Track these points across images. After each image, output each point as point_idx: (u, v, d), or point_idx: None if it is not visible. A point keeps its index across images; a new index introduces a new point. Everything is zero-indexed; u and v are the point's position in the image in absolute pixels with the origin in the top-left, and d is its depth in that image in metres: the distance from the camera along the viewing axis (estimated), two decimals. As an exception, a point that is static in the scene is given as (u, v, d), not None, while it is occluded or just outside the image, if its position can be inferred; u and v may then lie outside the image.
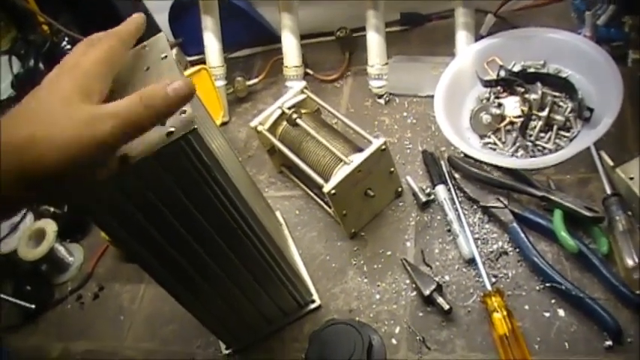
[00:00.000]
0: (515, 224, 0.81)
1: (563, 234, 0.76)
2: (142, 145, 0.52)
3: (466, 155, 0.89)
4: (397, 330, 0.80)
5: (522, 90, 0.91)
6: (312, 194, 0.97)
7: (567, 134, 0.87)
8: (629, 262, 0.71)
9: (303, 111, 0.94)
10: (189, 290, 0.72)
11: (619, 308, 0.71)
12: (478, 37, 1.01)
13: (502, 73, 0.94)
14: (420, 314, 0.80)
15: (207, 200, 0.62)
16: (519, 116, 0.90)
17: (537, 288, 0.77)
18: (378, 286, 0.84)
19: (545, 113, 0.88)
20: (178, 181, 0.58)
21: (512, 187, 0.84)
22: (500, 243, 0.82)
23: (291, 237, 0.94)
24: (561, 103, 0.89)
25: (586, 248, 0.76)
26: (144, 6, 1.24)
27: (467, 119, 0.95)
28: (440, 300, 0.78)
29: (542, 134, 0.89)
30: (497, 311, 0.73)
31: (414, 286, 0.82)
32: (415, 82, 1.05)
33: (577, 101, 0.87)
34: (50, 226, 1.03)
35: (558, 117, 0.87)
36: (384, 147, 0.84)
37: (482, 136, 0.93)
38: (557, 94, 0.90)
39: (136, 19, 0.60)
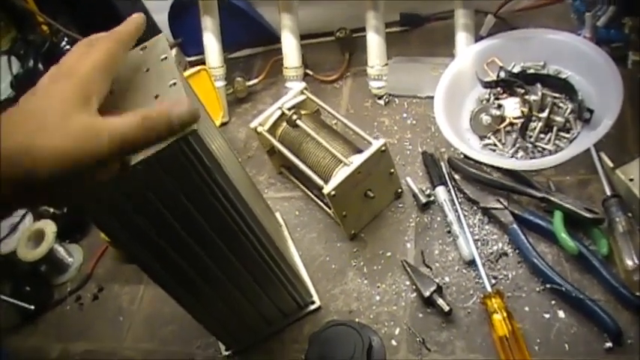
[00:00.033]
0: (515, 225, 0.81)
1: (563, 235, 0.76)
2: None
3: (466, 156, 0.89)
4: (397, 331, 0.80)
5: (522, 91, 0.91)
6: (311, 195, 0.97)
7: (567, 135, 0.87)
8: (629, 264, 0.71)
9: (302, 112, 0.94)
10: (188, 292, 0.72)
11: (619, 310, 0.71)
12: (478, 38, 1.01)
13: (502, 74, 0.94)
14: (420, 315, 0.80)
15: (207, 202, 0.61)
16: (519, 117, 0.90)
17: (537, 289, 0.77)
18: (378, 287, 0.84)
19: (545, 114, 0.88)
20: (179, 182, 0.58)
21: (512, 189, 0.84)
22: (500, 244, 0.82)
23: (290, 238, 0.94)
24: (561, 105, 0.89)
25: (586, 250, 0.76)
26: (143, 6, 1.24)
27: (467, 120, 0.95)
28: (440, 301, 0.78)
29: (542, 135, 0.89)
30: (498, 313, 0.73)
31: (414, 287, 0.82)
32: (415, 83, 1.05)
33: (577, 102, 0.87)
34: (49, 227, 1.03)
35: (558, 118, 0.87)
36: (383, 148, 0.83)
37: (482, 137, 0.93)
38: (557, 95, 0.90)
39: (136, 19, 0.58)
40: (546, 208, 0.82)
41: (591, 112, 0.85)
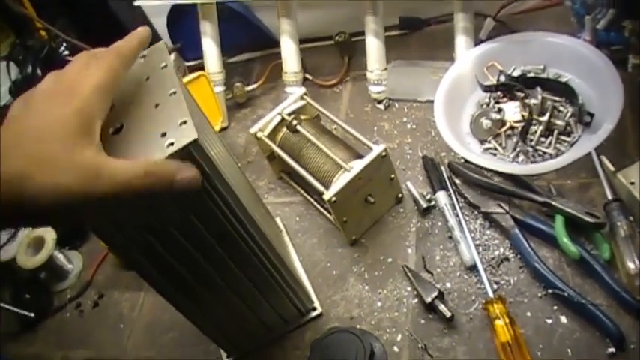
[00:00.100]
0: (516, 230, 0.81)
1: (565, 240, 0.76)
2: (142, 157, 0.51)
3: (466, 161, 0.88)
4: (399, 337, 0.79)
5: (522, 95, 0.91)
6: (312, 200, 0.96)
7: (568, 139, 0.87)
8: (631, 268, 0.71)
9: (302, 117, 0.94)
10: (188, 299, 0.72)
11: (621, 314, 0.71)
12: (477, 42, 1.01)
13: (502, 78, 0.94)
14: (422, 321, 0.80)
15: (207, 209, 0.61)
16: (520, 121, 0.90)
17: (539, 294, 0.76)
18: (380, 293, 0.84)
19: (545, 118, 0.87)
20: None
21: (513, 193, 0.83)
22: (501, 249, 0.82)
23: (291, 244, 0.94)
24: (561, 108, 0.89)
25: (588, 254, 0.75)
26: (142, 11, 1.24)
27: (467, 124, 0.95)
28: (442, 307, 0.77)
29: (542, 139, 0.88)
30: (500, 318, 0.73)
31: (415, 293, 0.81)
32: (415, 86, 1.05)
33: (577, 106, 0.87)
34: (49, 234, 1.03)
35: (559, 122, 0.87)
36: (384, 154, 0.83)
37: (482, 142, 0.93)
38: (557, 98, 0.90)
39: (140, 33, 0.58)
40: (547, 213, 0.81)
41: (592, 115, 0.85)
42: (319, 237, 0.94)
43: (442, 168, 0.91)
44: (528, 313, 0.75)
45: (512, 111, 0.91)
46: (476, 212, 0.86)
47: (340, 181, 0.82)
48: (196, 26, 1.15)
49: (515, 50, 0.96)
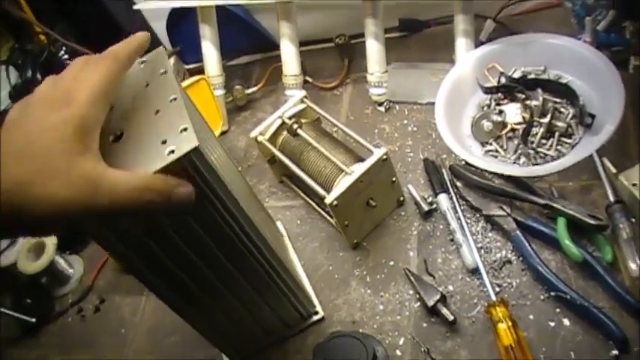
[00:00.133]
0: (518, 232, 0.81)
1: (567, 242, 0.76)
2: (142, 165, 0.51)
3: (467, 163, 0.88)
4: (401, 341, 0.79)
5: (523, 96, 0.91)
6: (313, 204, 0.96)
7: (569, 141, 0.87)
8: (634, 270, 0.70)
9: (303, 120, 0.94)
10: (189, 304, 0.71)
11: (624, 317, 0.71)
12: (478, 43, 1.01)
13: (502, 80, 0.94)
14: (425, 325, 0.79)
15: (207, 215, 0.61)
16: (521, 123, 0.90)
17: (542, 297, 0.76)
18: (382, 296, 0.84)
19: (546, 120, 0.87)
20: None
21: (514, 195, 0.83)
22: (503, 252, 0.82)
23: (292, 247, 0.94)
24: (562, 110, 0.89)
25: (590, 256, 0.75)
26: (141, 14, 1.24)
27: (468, 126, 0.94)
28: (444, 311, 0.77)
29: (543, 141, 0.88)
30: (502, 322, 0.73)
31: (417, 296, 0.81)
32: (415, 88, 1.05)
33: (578, 107, 0.86)
34: (50, 239, 1.02)
35: (560, 123, 0.87)
36: (385, 157, 0.83)
37: (483, 144, 0.92)
38: (558, 100, 0.89)
39: (139, 37, 0.57)
40: (549, 215, 0.81)
41: (593, 117, 0.85)
42: (321, 241, 0.94)
43: (443, 170, 0.91)
44: (531, 316, 0.75)
45: (513, 113, 0.91)
46: (477, 215, 0.86)
47: (341, 185, 0.82)
48: (196, 29, 1.15)
49: (515, 52, 0.96)
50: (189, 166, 0.52)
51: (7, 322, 1.01)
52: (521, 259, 0.80)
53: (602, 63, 0.86)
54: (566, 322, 0.73)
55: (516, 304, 0.77)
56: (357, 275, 0.87)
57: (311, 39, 1.20)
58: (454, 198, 0.88)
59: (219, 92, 1.14)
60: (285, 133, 0.94)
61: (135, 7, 1.16)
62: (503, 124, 0.91)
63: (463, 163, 0.89)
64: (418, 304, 0.81)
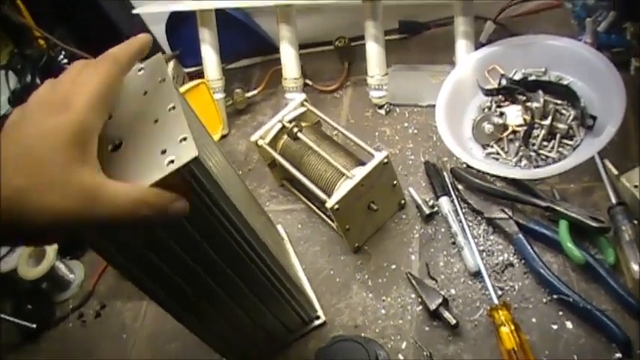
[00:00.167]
0: (520, 235, 0.80)
1: (569, 245, 0.75)
2: (141, 175, 0.50)
3: (469, 166, 0.88)
4: (404, 345, 0.79)
5: (524, 98, 0.91)
6: (314, 208, 0.96)
7: (570, 142, 0.87)
8: (637, 272, 0.70)
9: (303, 124, 0.93)
10: (189, 311, 0.71)
11: (627, 319, 0.71)
12: (478, 45, 1.01)
13: (503, 82, 0.93)
14: (427, 329, 0.79)
15: (207, 224, 0.60)
16: (522, 125, 0.90)
17: (544, 300, 0.76)
18: (384, 300, 0.84)
19: (547, 122, 0.87)
20: None
21: (516, 198, 0.83)
22: (505, 255, 0.81)
23: (293, 252, 0.93)
24: (563, 111, 0.88)
25: (592, 259, 0.75)
26: (140, 18, 1.24)
27: (469, 129, 0.94)
28: (446, 314, 0.77)
29: (545, 143, 0.88)
30: (505, 325, 0.73)
31: (419, 300, 0.81)
32: (415, 91, 1.04)
33: (579, 109, 0.86)
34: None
35: (561, 125, 0.87)
36: (386, 160, 0.83)
37: (484, 146, 0.92)
38: (559, 102, 0.89)
39: (140, 40, 0.56)
40: (551, 217, 0.81)
41: (594, 118, 0.85)
42: (322, 245, 0.93)
43: (444, 173, 0.91)
44: (533, 319, 0.75)
45: (514, 115, 0.91)
46: (479, 218, 0.86)
47: (342, 189, 0.81)
48: (195, 32, 1.14)
49: (516, 53, 0.96)
50: (189, 175, 0.52)
51: (7, 328, 1.01)
52: (523, 262, 0.80)
53: (603, 64, 0.86)
54: (568, 324, 0.73)
55: (519, 307, 0.76)
56: (358, 279, 0.87)
57: (311, 42, 1.20)
58: (455, 201, 0.88)
59: (219, 96, 1.14)
60: (285, 136, 0.93)
61: (134, 11, 1.16)
62: (504, 127, 0.91)
63: (464, 165, 0.89)
64: (420, 307, 0.81)
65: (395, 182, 0.87)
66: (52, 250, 1.01)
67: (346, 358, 0.74)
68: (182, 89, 1.02)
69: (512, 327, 0.72)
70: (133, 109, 0.56)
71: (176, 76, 1.18)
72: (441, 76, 0.99)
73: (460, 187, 0.88)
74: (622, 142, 0.83)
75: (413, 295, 0.82)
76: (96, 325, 1.00)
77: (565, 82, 0.92)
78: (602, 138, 0.80)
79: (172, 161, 0.50)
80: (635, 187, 0.75)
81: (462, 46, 0.99)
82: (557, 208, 0.79)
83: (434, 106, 0.95)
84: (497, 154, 0.90)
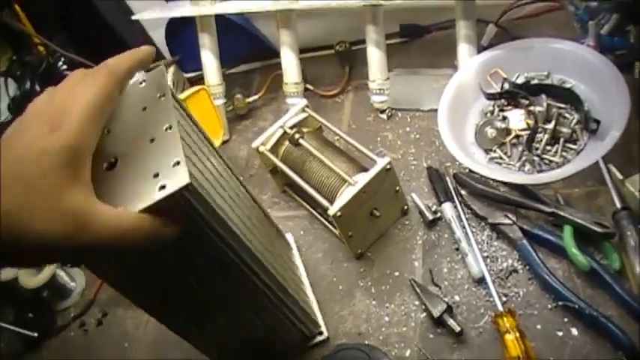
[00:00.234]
0: (524, 241, 0.80)
1: (574, 251, 0.75)
2: (132, 199, 0.49)
3: (472, 171, 0.87)
4: (408, 353, 0.78)
5: (527, 102, 0.90)
6: (316, 214, 0.95)
7: (574, 147, 0.86)
8: (642, 277, 0.70)
9: (304, 130, 0.93)
10: (190, 328, 0.71)
11: (633, 325, 0.70)
12: (479, 48, 1.00)
13: (506, 86, 0.93)
14: (431, 336, 0.78)
15: (202, 248, 0.59)
16: (525, 129, 0.89)
17: (549, 306, 0.75)
18: (387, 307, 0.83)
19: (551, 126, 0.86)
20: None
21: (520, 203, 0.82)
22: (509, 261, 0.81)
23: (300, 259, 0.92)
24: (567, 115, 0.88)
25: (597, 265, 0.74)
26: (140, 24, 1.23)
27: (471, 133, 0.93)
28: (450, 321, 0.76)
29: (548, 147, 0.87)
30: (510, 332, 0.72)
31: (423, 307, 0.80)
32: (417, 95, 1.04)
33: (583, 113, 0.86)
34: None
35: (564, 129, 0.86)
36: (389, 167, 0.82)
37: (487, 151, 0.91)
38: (562, 105, 0.89)
39: (142, 53, 0.55)
40: (555, 223, 0.80)
41: (598, 122, 0.84)
42: (324, 251, 0.93)
43: (447, 179, 0.90)
44: (538, 326, 0.74)
45: (517, 119, 0.90)
46: (483, 223, 0.85)
47: (345, 196, 0.81)
48: (195, 37, 1.14)
49: (518, 57, 0.95)
50: (182, 200, 0.50)
51: (8, 336, 1.00)
52: (527, 268, 0.79)
53: (606, 67, 0.85)
54: (574, 331, 0.73)
55: (523, 313, 0.76)
56: (361, 286, 0.86)
57: (311, 46, 1.20)
58: (459, 206, 0.87)
59: (220, 101, 1.14)
60: (286, 143, 0.93)
61: (133, 17, 1.15)
62: (507, 131, 0.90)
63: (467, 170, 0.88)
64: (424, 314, 0.80)
65: (397, 188, 0.87)
66: (52, 258, 1.01)
67: (350, 366, 0.74)
68: (182, 96, 1.01)
69: (517, 334, 0.72)
70: (131, 125, 0.55)
71: (176, 81, 1.17)
72: (442, 80, 0.99)
73: (463, 192, 0.87)
74: (626, 145, 0.82)
75: (416, 302, 0.82)
76: (97, 334, 0.99)
77: (568, 86, 0.91)
78: (606, 142, 0.80)
79: (164, 186, 0.48)
80: (640, 191, 0.74)
81: (463, 49, 0.99)
82: (562, 213, 0.79)
83: (436, 110, 0.94)
84: (501, 158, 0.90)
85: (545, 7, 1.05)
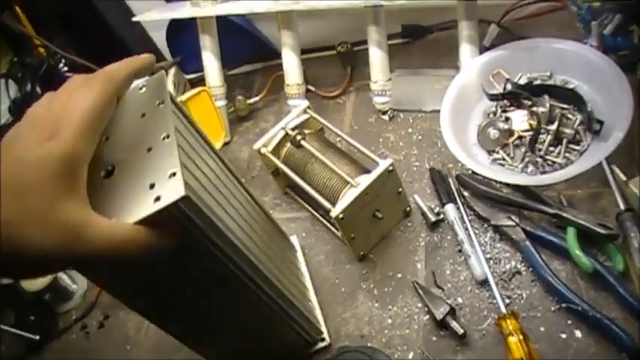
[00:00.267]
0: (527, 243, 0.79)
1: (578, 252, 0.74)
2: (128, 210, 0.48)
3: (474, 172, 0.87)
4: (410, 355, 0.78)
5: (529, 103, 0.90)
6: (318, 216, 0.95)
7: (577, 148, 0.86)
8: (646, 280, 0.69)
9: (306, 131, 0.93)
10: (190, 336, 0.70)
11: (637, 327, 0.69)
12: (482, 48, 1.00)
13: (508, 86, 0.92)
14: (434, 339, 0.78)
15: (200, 259, 0.58)
16: (528, 130, 0.89)
17: (552, 309, 0.75)
18: (390, 310, 0.83)
19: (554, 127, 0.86)
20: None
21: (523, 205, 0.82)
22: (512, 262, 0.80)
23: (304, 261, 0.91)
24: (570, 116, 0.87)
25: (601, 266, 0.74)
26: (141, 26, 1.23)
27: (474, 134, 0.93)
28: (453, 324, 0.76)
29: (551, 148, 0.87)
30: (513, 335, 0.71)
31: (426, 309, 0.80)
32: (419, 96, 1.03)
33: (586, 113, 0.85)
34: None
35: (567, 130, 0.86)
36: (391, 168, 0.82)
37: (490, 152, 0.91)
38: (565, 106, 0.88)
39: (142, 60, 0.55)
40: (558, 224, 0.80)
41: (601, 123, 0.84)
42: (326, 253, 0.92)
43: (450, 180, 0.90)
44: (542, 328, 0.74)
45: (520, 120, 0.90)
46: (486, 225, 0.85)
47: (347, 198, 0.80)
48: (195, 38, 1.14)
49: (520, 57, 0.95)
50: (177, 212, 0.50)
51: (10, 339, 1.00)
52: (530, 269, 0.79)
53: (609, 68, 0.85)
54: (578, 333, 0.72)
55: (527, 315, 0.75)
56: (364, 288, 0.86)
57: (313, 47, 1.19)
58: (461, 208, 0.87)
59: (221, 103, 1.13)
60: (288, 144, 0.92)
61: (134, 19, 1.15)
62: (510, 132, 0.90)
63: (470, 172, 0.88)
64: (427, 317, 0.80)
65: (400, 190, 0.86)
66: (54, 260, 1.00)
67: (353, 369, 0.74)
68: (183, 98, 1.00)
69: (521, 336, 0.71)
70: (129, 132, 0.54)
71: (177, 83, 1.17)
72: (445, 81, 0.98)
73: (466, 193, 0.87)
74: (629, 146, 0.81)
75: (419, 305, 0.81)
76: (99, 336, 0.99)
77: (571, 86, 0.91)
78: (609, 143, 0.79)
79: (159, 198, 0.48)
80: (643, 192, 0.74)
81: (466, 50, 0.98)
82: (565, 214, 0.78)
83: (438, 111, 0.94)
84: (503, 160, 0.89)
85: (548, 7, 1.04)
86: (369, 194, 0.81)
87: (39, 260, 0.44)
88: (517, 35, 1.01)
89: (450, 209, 0.87)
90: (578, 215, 0.77)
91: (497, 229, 0.83)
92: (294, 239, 0.94)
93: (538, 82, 0.93)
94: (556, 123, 0.86)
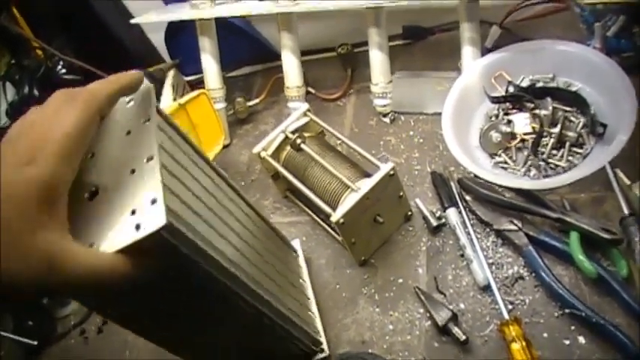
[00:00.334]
0: (530, 247, 0.78)
1: (581, 257, 0.74)
2: (108, 237, 0.47)
3: (476, 176, 0.86)
4: (412, 362, 0.77)
5: (532, 106, 0.89)
6: (318, 220, 0.94)
7: (580, 151, 0.85)
8: (650, 285, 0.68)
9: (306, 134, 0.92)
10: (188, 355, 0.70)
11: (641, 333, 0.69)
12: (483, 50, 0.99)
13: (510, 89, 0.91)
14: (436, 345, 0.77)
15: (187, 283, 0.57)
16: (530, 133, 0.88)
17: (556, 314, 0.74)
18: (391, 315, 0.82)
19: (557, 130, 0.85)
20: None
21: (525, 209, 0.81)
22: (515, 267, 0.80)
23: (306, 266, 0.90)
24: (573, 119, 0.86)
25: (605, 271, 0.73)
26: (139, 28, 1.22)
27: (476, 137, 0.92)
28: (456, 330, 0.75)
29: (554, 152, 0.86)
30: (516, 341, 0.71)
31: (428, 315, 0.79)
32: (420, 98, 1.03)
33: (589, 116, 0.84)
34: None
35: (570, 133, 0.85)
36: (392, 172, 0.81)
37: (492, 155, 0.90)
38: (568, 109, 0.87)
39: (128, 77, 0.53)
40: (561, 229, 0.79)
41: (604, 126, 0.83)
42: (327, 258, 0.92)
43: (452, 184, 0.89)
44: (545, 334, 0.73)
45: (523, 123, 0.89)
46: (488, 229, 0.84)
47: (347, 202, 0.79)
48: (194, 40, 1.13)
49: (523, 59, 0.94)
50: (159, 240, 0.47)
51: (8, 345, 0.99)
52: (533, 275, 0.78)
53: (612, 70, 0.84)
54: (581, 339, 0.71)
55: (530, 321, 0.75)
56: (365, 293, 0.85)
57: (313, 49, 1.19)
58: (463, 212, 0.86)
59: (220, 106, 1.12)
60: (288, 148, 0.91)
61: (132, 21, 1.14)
62: (512, 135, 0.89)
63: (472, 175, 0.87)
64: (429, 323, 0.79)
65: (401, 194, 0.85)
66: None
67: (354, 376, 0.73)
68: (182, 100, 0.99)
69: (524, 343, 0.71)
70: (114, 151, 0.52)
71: (176, 85, 1.16)
72: (446, 83, 0.97)
73: (468, 197, 0.86)
74: (633, 150, 0.80)
75: (421, 310, 0.81)
76: (98, 341, 0.98)
77: (574, 89, 0.90)
78: (613, 147, 0.78)
79: (139, 226, 0.46)
80: (647, 197, 0.73)
81: (467, 52, 0.97)
82: (568, 219, 0.77)
83: (440, 114, 0.93)
84: (506, 163, 0.88)
85: (551, 8, 1.04)
86: (369, 199, 0.80)
87: (14, 289, 0.42)
88: (519, 37, 1.00)
89: (451, 213, 0.86)
90: (582, 220, 0.77)
91: (499, 233, 0.82)
92: (296, 243, 0.92)
93: (540, 84, 0.92)
94: (559, 126, 0.85)
